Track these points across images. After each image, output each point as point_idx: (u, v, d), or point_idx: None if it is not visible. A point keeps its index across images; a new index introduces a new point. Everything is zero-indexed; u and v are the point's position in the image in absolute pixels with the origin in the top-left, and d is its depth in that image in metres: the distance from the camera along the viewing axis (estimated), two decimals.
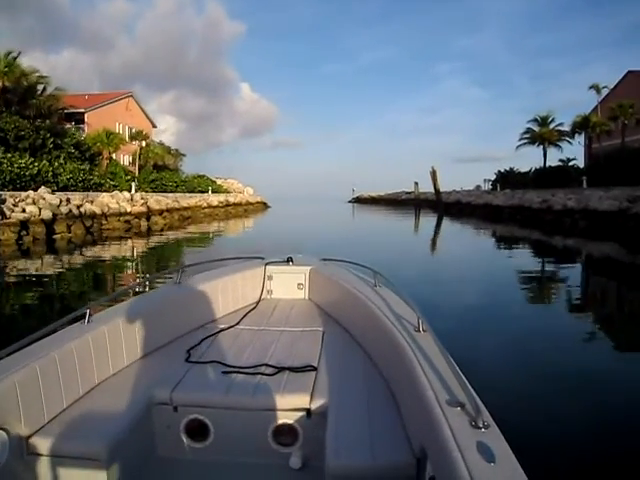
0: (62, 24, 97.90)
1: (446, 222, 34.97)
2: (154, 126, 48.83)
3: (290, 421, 2.18)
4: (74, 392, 2.15)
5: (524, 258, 14.71)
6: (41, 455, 1.85)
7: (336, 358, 2.71)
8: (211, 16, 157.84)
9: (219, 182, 61.11)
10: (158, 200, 27.71)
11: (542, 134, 42.86)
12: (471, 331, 6.14)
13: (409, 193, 75.25)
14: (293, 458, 2.13)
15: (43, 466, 1.86)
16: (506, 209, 32.53)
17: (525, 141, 45.77)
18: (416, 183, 59.92)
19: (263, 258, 4.28)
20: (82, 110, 37.73)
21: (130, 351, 2.62)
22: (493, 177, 51.53)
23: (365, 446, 1.79)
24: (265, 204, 59.64)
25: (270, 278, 4.05)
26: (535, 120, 45.08)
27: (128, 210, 23.48)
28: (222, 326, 3.24)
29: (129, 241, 18.74)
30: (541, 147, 44.71)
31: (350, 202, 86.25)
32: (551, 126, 43.94)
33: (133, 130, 43.07)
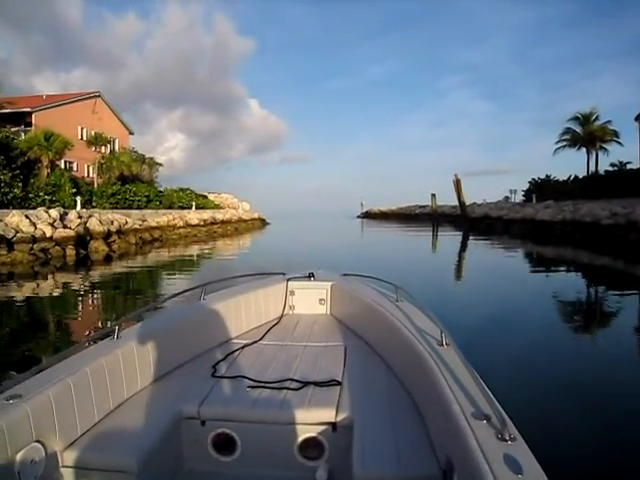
0: (73, 43, 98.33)
1: (474, 241, 28.20)
2: (131, 133, 42.21)
3: (316, 435, 2.20)
4: (105, 406, 2.20)
5: None
6: (75, 468, 1.90)
7: (360, 372, 2.73)
8: (220, 33, 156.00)
9: (211, 197, 54.86)
10: (110, 219, 21.12)
11: (592, 132, 35.57)
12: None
13: (423, 207, 68.78)
14: (319, 472, 2.12)
15: (77, 478, 1.91)
16: (557, 225, 25.71)
17: (564, 144, 38.92)
18: (433, 195, 53.33)
19: (285, 274, 4.33)
20: (28, 110, 31.08)
21: (158, 366, 2.65)
22: (514, 187, 44.67)
23: (391, 458, 1.82)
24: (263, 221, 53.08)
25: (292, 294, 4.09)
26: (576, 119, 38.07)
27: (48, 235, 16.89)
28: (246, 341, 3.29)
29: (27, 284, 11.86)
30: (582, 150, 37.96)
31: (359, 217, 79.48)
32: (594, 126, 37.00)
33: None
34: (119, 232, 21.50)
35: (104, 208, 25.96)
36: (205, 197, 51.04)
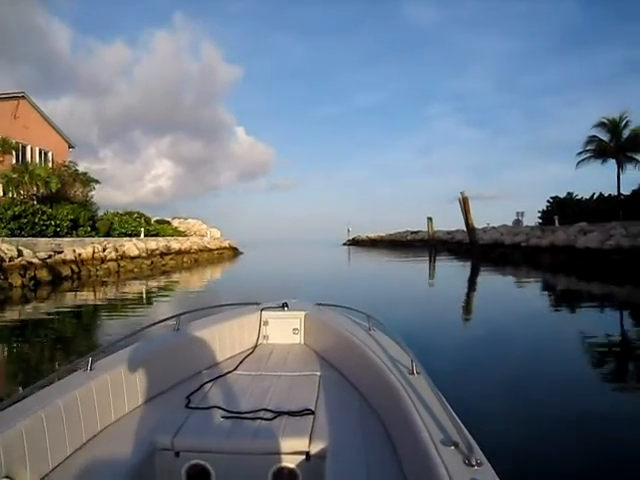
0: (61, 70, 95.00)
1: (498, 278, 21.66)
2: (71, 146, 35.08)
3: (290, 464, 2.22)
4: (78, 439, 2.18)
5: None
6: None
7: (333, 402, 2.76)
8: (207, 61, 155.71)
9: (175, 223, 48.00)
10: None
11: (625, 140, 29.02)
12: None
13: (416, 232, 62.57)
14: None
15: None
16: (613, 255, 19.17)
17: (588, 155, 32.58)
18: (430, 219, 46.93)
19: (259, 304, 4.36)
20: None
21: (132, 397, 2.65)
22: (522, 209, 38.21)
23: None
24: (235, 249, 46.19)
25: (266, 323, 4.12)
26: (602, 124, 31.72)
27: None
28: (220, 372, 3.29)
29: None
30: (608, 161, 31.80)
31: (345, 244, 72.88)
32: (626, 131, 30.75)
33: (29, 147, 29.85)
34: None
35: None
36: (167, 222, 44.17)
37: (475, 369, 6.34)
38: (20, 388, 2.34)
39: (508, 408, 4.88)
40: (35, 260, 17.15)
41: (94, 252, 22.08)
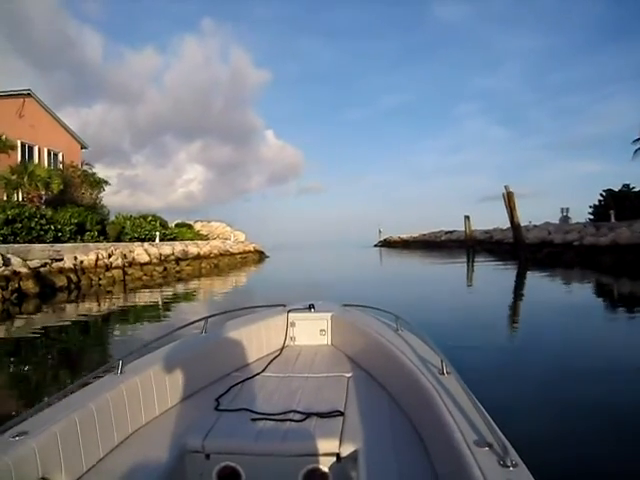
0: (94, 79, 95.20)
1: (539, 279, 18.79)
2: (83, 147, 33.19)
3: (320, 466, 2.21)
4: (110, 442, 2.21)
5: None
6: None
7: (362, 403, 2.73)
8: (237, 65, 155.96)
9: (197, 226, 46.08)
10: None
11: None
12: None
13: (451, 232, 59.46)
14: None
15: None
16: None
17: None
18: (467, 217, 43.79)
19: (285, 305, 4.36)
20: None
21: (161, 400, 2.67)
22: (566, 206, 34.82)
23: None
24: (261, 253, 44.02)
25: (293, 325, 4.10)
26: None
27: None
28: (248, 374, 3.29)
29: None
30: None
31: (376, 246, 70.02)
32: None
33: (37, 148, 28.12)
34: None
35: None
36: (187, 226, 42.23)
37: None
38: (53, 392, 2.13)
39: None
40: (23, 270, 15.09)
41: (97, 259, 20.02)
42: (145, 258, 22.73)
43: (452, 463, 1.61)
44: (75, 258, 18.96)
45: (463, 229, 53.07)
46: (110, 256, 20.81)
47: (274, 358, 3.68)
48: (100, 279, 19.33)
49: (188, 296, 16.99)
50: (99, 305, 14.58)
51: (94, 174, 28.32)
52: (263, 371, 3.36)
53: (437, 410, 1.93)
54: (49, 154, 29.30)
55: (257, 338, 3.76)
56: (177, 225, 40.54)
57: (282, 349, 3.92)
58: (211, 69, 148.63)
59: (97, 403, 2.15)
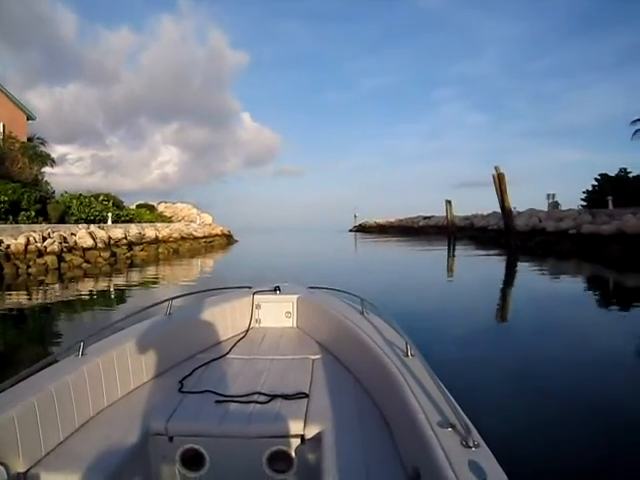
0: (67, 58, 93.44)
1: (531, 271, 16.65)
2: (30, 118, 29.53)
3: (285, 448, 2.21)
4: (70, 425, 2.17)
5: None
6: None
7: (327, 385, 2.73)
8: (214, 46, 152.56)
9: (161, 207, 42.89)
10: None
11: None
12: None
13: (429, 218, 57.41)
14: None
15: None
16: None
17: None
18: (448, 202, 41.51)
19: (250, 287, 4.31)
20: None
21: (124, 383, 2.63)
22: (554, 191, 32.90)
23: (360, 470, 1.82)
24: (229, 237, 41.15)
25: (258, 307, 4.08)
26: None
27: None
28: (213, 356, 3.25)
29: None
30: None
31: (351, 231, 67.59)
32: None
33: None
34: None
35: None
36: (150, 207, 39.09)
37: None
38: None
39: None
40: None
41: (28, 243, 17.01)
42: (89, 242, 19.72)
43: (416, 444, 1.63)
44: (0, 242, 15.97)
45: (441, 215, 51.33)
46: (45, 239, 17.81)
47: (239, 340, 3.64)
48: (29, 267, 16.37)
49: (132, 287, 14.18)
50: (29, 297, 11.98)
51: (35, 146, 24.81)
52: (228, 353, 3.31)
53: (401, 392, 1.94)
54: None
55: (222, 320, 3.71)
56: (138, 206, 37.32)
57: (247, 331, 3.88)
58: (188, 50, 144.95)
59: (57, 386, 2.10)
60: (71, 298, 11.76)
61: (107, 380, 2.46)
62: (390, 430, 2.11)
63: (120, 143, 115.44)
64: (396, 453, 1.92)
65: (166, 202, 44.52)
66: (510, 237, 24.09)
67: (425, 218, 58.23)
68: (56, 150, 33.12)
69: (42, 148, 29.87)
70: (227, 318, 3.77)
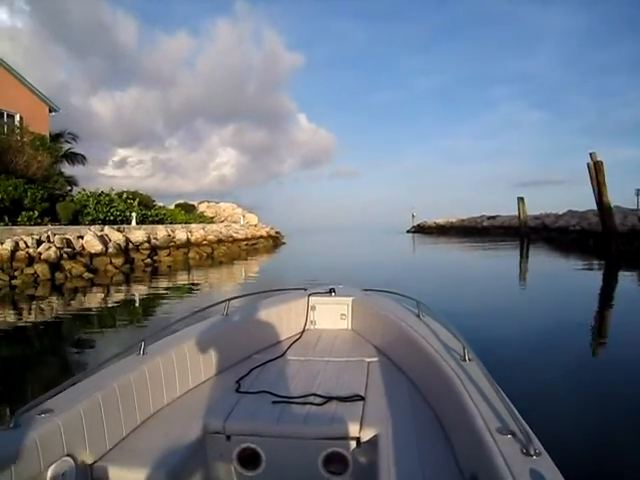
0: (128, 63, 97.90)
1: None
2: (52, 110, 27.14)
3: (340, 449, 2.19)
4: (132, 421, 2.20)
5: None
6: None
7: (382, 388, 2.71)
8: (269, 48, 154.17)
9: (202, 207, 40.11)
10: None
11: None
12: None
13: (492, 217, 52.27)
14: None
15: None
16: None
17: None
18: (521, 199, 36.58)
19: (306, 289, 4.30)
20: None
21: (183, 381, 2.67)
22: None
23: (416, 473, 1.80)
24: (276, 239, 37.81)
25: (313, 309, 4.06)
26: None
27: None
28: (269, 356, 3.27)
29: None
30: None
31: (409, 232, 62.98)
32: None
33: None
34: None
35: None
36: (189, 207, 36.28)
37: None
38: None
39: None
40: None
41: (17, 249, 14.05)
42: (98, 247, 16.64)
43: (473, 450, 1.60)
44: None
45: (506, 214, 46.23)
46: (40, 244, 14.83)
47: (294, 341, 3.64)
48: (13, 277, 13.37)
49: (129, 309, 10.81)
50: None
51: (43, 137, 22.10)
52: (284, 354, 3.32)
53: (459, 396, 1.90)
54: (1, 116, 23.56)
55: (278, 321, 3.71)
56: (177, 206, 34.61)
57: (302, 332, 3.86)
58: (244, 53, 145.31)
59: (120, 383, 2.14)
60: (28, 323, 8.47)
61: (167, 379, 2.50)
62: (446, 435, 2.07)
63: (179, 146, 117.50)
64: (453, 458, 1.89)
65: (209, 202, 41.75)
66: (611, 240, 19.37)
67: (490, 218, 53.10)
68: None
69: (71, 144, 27.57)
70: (282, 319, 3.76)
